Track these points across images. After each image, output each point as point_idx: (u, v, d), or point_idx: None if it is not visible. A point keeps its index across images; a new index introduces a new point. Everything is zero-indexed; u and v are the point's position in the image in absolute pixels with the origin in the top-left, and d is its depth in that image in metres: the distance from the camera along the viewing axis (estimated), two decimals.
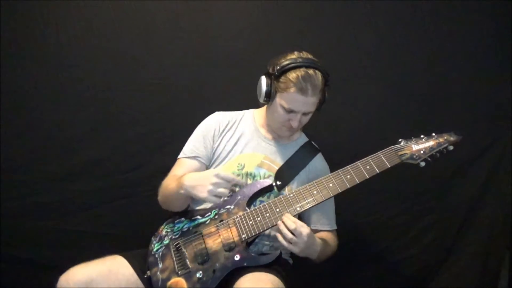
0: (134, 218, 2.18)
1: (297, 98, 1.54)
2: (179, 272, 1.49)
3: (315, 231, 1.66)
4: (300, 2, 2.13)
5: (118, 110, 2.16)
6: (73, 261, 1.51)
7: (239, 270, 1.45)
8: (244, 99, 1.76)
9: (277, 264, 1.49)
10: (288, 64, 1.55)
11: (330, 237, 1.69)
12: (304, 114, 1.60)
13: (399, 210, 2.20)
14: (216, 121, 1.74)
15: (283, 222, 1.44)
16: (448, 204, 2.19)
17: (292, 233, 1.42)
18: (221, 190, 1.44)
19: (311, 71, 1.53)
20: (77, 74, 2.13)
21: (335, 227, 1.75)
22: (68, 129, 2.16)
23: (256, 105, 1.76)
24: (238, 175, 1.64)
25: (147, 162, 2.16)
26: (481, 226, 2.16)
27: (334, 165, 1.72)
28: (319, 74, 1.54)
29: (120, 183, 2.18)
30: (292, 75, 1.53)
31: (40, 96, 2.14)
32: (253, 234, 1.50)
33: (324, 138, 1.82)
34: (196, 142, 1.72)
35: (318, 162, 1.74)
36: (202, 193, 1.44)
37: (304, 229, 1.42)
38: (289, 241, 1.42)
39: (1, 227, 2.16)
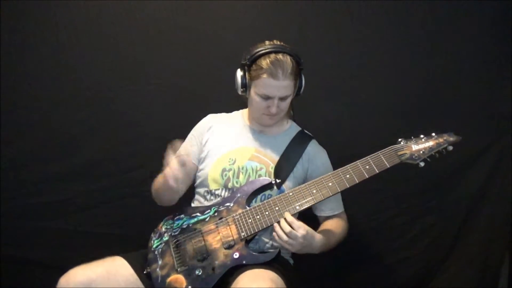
0: (134, 218, 2.18)
1: (270, 83, 1.56)
2: (179, 269, 1.50)
3: (323, 218, 1.71)
4: (300, 2, 2.13)
5: (118, 110, 2.16)
6: (73, 261, 1.51)
7: (239, 267, 1.45)
8: (244, 99, 1.76)
9: (277, 263, 1.50)
10: (258, 51, 1.59)
11: (336, 223, 1.69)
12: (281, 99, 1.61)
13: (399, 210, 2.20)
14: (203, 122, 1.82)
15: (279, 224, 1.46)
16: (448, 204, 2.19)
17: (288, 235, 1.43)
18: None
19: (280, 56, 1.57)
20: (77, 74, 2.13)
21: (341, 210, 1.75)
22: (68, 129, 2.16)
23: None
24: (230, 169, 1.66)
25: (147, 162, 2.15)
26: (481, 226, 2.16)
27: (334, 164, 1.73)
28: (288, 58, 1.57)
29: (120, 183, 2.18)
30: (262, 62, 1.57)
31: (40, 96, 2.13)
32: (252, 233, 1.51)
33: (324, 137, 1.81)
34: (185, 144, 1.79)
35: (311, 148, 1.73)
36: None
37: (301, 230, 1.43)
38: (285, 242, 1.44)
39: (1, 227, 2.15)
